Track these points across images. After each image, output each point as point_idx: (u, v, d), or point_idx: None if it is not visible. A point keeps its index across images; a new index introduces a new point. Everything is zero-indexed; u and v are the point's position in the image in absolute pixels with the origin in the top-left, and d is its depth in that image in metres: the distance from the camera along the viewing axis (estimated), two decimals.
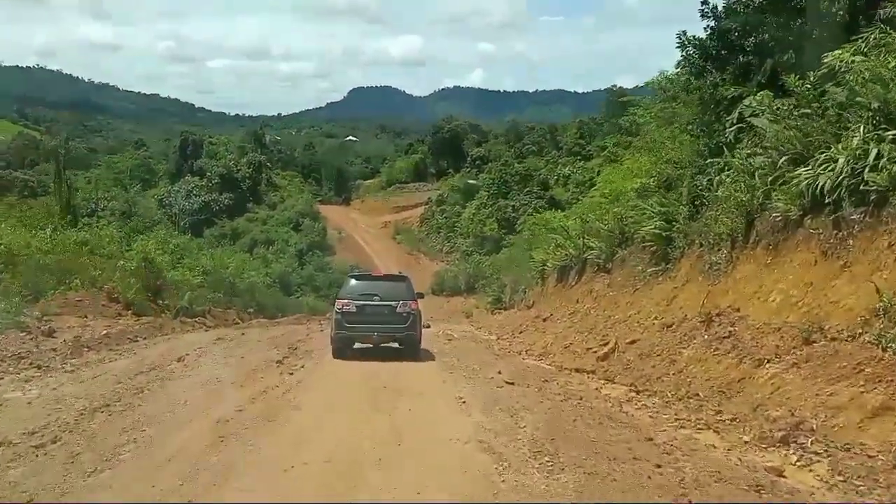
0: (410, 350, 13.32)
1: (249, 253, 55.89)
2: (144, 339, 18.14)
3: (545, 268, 22.15)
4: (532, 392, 9.02)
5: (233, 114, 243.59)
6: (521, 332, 17.88)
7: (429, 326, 22.75)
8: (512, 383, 9.59)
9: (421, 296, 14.96)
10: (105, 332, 17.38)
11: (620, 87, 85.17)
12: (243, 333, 19.50)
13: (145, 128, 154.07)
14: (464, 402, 8.13)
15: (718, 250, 12.00)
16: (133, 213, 58.22)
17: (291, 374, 10.38)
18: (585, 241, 18.38)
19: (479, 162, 68.40)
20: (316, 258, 55.91)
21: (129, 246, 32.51)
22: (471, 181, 65.85)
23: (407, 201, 79.01)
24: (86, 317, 20.37)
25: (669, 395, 8.81)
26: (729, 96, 13.85)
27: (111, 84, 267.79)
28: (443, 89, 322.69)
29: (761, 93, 13.12)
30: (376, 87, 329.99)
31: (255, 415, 7.45)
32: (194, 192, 61.56)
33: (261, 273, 48.76)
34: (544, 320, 17.33)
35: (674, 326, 11.18)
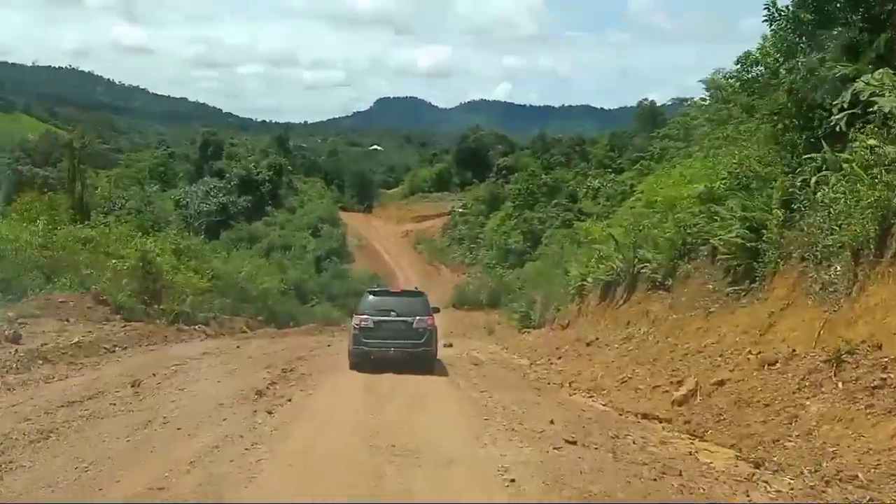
0: (426, 364, 13.03)
1: (266, 258, 53.66)
2: (124, 348, 15.64)
3: (584, 283, 19.35)
4: (605, 458, 6.28)
5: (259, 119, 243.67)
6: (559, 358, 15.08)
7: (451, 346, 20.06)
8: (574, 442, 6.81)
9: (437, 310, 14.70)
10: (78, 340, 14.91)
11: (652, 101, 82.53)
12: (238, 346, 16.92)
13: (172, 130, 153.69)
14: (512, 480, 5.40)
15: (830, 265, 9.19)
16: (148, 212, 56.39)
17: (270, 412, 7.71)
18: (638, 252, 15.59)
19: (506, 172, 65.74)
20: (334, 266, 53.48)
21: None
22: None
23: (429, 210, 76.50)
24: (67, 321, 17.97)
25: (806, 472, 5.99)
26: (836, 75, 11.01)
27: (141, 87, 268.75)
28: (468, 102, 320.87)
29: (880, 71, 10.34)
30: (402, 97, 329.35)
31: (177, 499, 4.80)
32: (212, 193, 59.54)
33: (275, 279, 46.43)
34: (588, 345, 14.51)
35: (779, 365, 8.35)
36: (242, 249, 55.12)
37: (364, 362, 13.16)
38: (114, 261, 21.85)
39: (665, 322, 12.75)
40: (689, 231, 13.94)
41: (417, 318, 13.32)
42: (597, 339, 14.57)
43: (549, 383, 12.20)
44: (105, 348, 15.05)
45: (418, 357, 13.06)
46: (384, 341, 13.20)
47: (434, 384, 11.19)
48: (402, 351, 13.15)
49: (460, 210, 67.61)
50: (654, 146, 42.75)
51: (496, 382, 11.33)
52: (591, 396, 10.58)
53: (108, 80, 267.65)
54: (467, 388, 10.67)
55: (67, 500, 4.56)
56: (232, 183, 61.61)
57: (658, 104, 78.90)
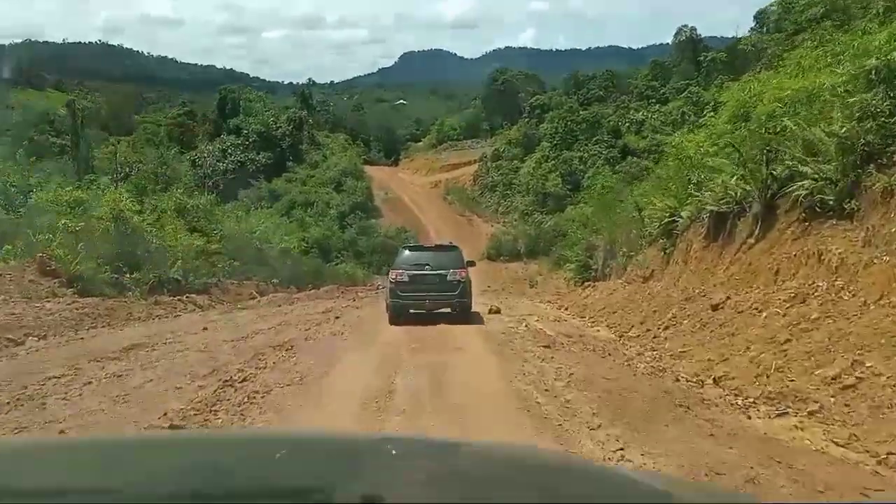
0: (462, 313, 13.36)
1: (287, 216, 48.99)
2: (42, 336, 10.89)
3: (673, 220, 13.86)
4: None
5: (287, 82, 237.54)
6: (665, 328, 9.78)
7: (498, 311, 14.88)
8: None
9: (472, 264, 15.05)
10: None
11: (692, 27, 74.56)
12: (205, 328, 12.00)
13: (202, 97, 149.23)
14: None
15: None
16: (162, 174, 51.99)
17: None
18: (772, 167, 10.07)
19: (539, 111, 59.36)
20: (358, 221, 48.51)
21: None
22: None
23: (459, 159, 70.69)
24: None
25: None
26: None
27: (170, 57, 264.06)
28: (494, 50, 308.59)
29: None
30: (427, 50, 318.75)
31: None
32: (229, 151, 54.73)
33: (296, 238, 41.83)
34: (715, 308, 9.14)
35: None
36: (263, 208, 50.72)
37: (401, 315, 13.30)
38: (63, 220, 17.01)
39: (865, 269, 7.32)
40: (875, 123, 8.42)
41: (451, 270, 13.57)
42: (727, 298, 9.17)
43: (684, 380, 6.92)
44: (9, 339, 10.28)
45: (454, 307, 13.39)
46: (420, 294, 13.46)
47: (499, 415, 5.94)
48: (438, 302, 13.54)
49: (492, 155, 61.70)
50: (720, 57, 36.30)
51: (599, 393, 6.04)
52: (800, 425, 5.25)
53: (138, 52, 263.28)
54: (558, 412, 5.43)
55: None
56: (250, 140, 56.66)
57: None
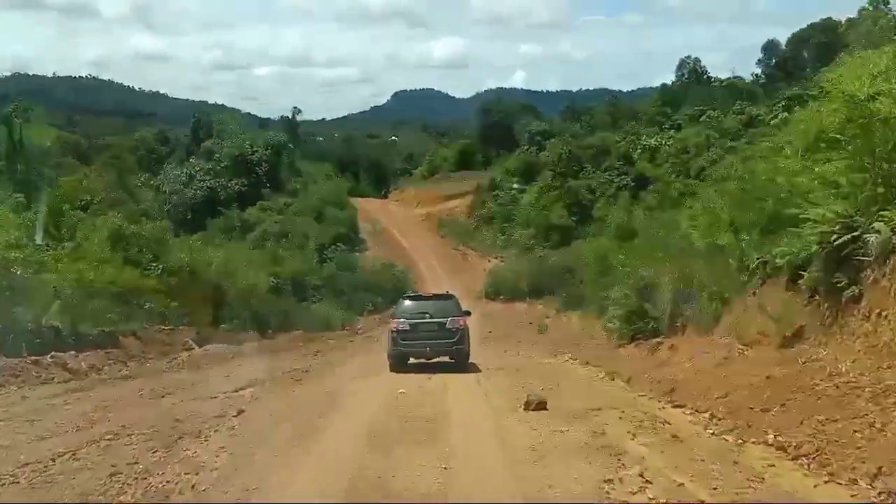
0: (459, 361, 13.72)
1: (261, 248, 42.52)
2: None
3: (839, 237, 7.61)
4: None
5: (277, 118, 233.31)
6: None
7: (543, 406, 8.34)
8: None
9: (468, 313, 15.08)
10: None
11: (696, 58, 70.12)
12: None
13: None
14: None
15: None
16: (130, 202, 45.67)
17: None
18: None
19: (539, 138, 53.77)
20: (340, 254, 42.11)
21: None
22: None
23: (452, 190, 64.69)
24: None
25: None
26: None
27: (161, 92, 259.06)
28: (485, 91, 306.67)
29: None
30: (419, 89, 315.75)
31: None
32: (198, 176, 48.48)
33: (265, 273, 35.31)
34: None
35: None
36: (234, 240, 44.32)
37: (401, 364, 13.53)
38: None
39: None
40: None
41: (450, 318, 13.87)
42: None
43: None
44: None
45: (452, 355, 13.74)
46: (420, 342, 13.68)
47: None
48: (437, 350, 13.76)
49: (488, 185, 55.80)
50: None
51: None
52: None
53: (128, 87, 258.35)
54: None
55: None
56: (222, 164, 50.43)
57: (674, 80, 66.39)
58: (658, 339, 12.79)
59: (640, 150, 46.39)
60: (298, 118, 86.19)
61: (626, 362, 12.25)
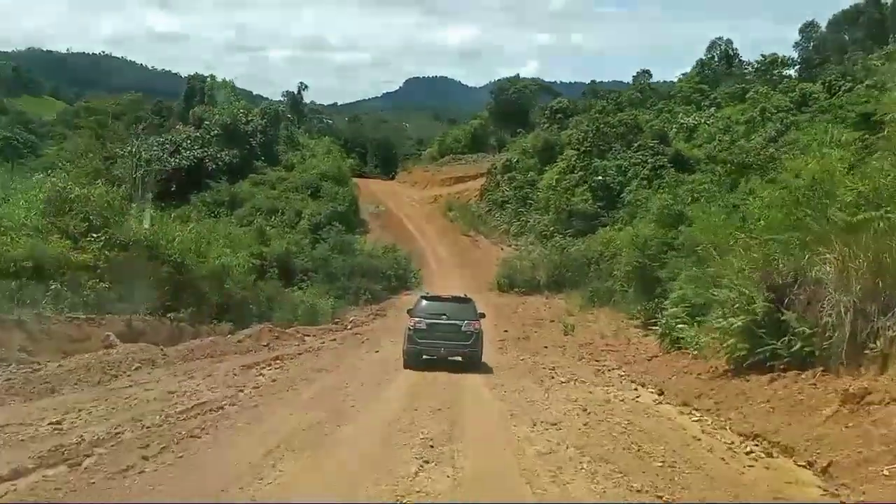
0: (473, 363, 13.76)
1: (249, 225, 37.24)
2: None
3: None
4: None
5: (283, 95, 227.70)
6: None
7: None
8: None
9: (483, 315, 15.17)
10: None
11: (728, 40, 64.21)
12: None
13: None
14: None
15: None
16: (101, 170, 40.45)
17: None
18: None
19: (560, 116, 48.09)
20: (336, 234, 36.76)
21: None
22: None
23: (463, 172, 59.30)
24: None
25: None
26: None
27: (174, 71, 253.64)
28: (499, 80, 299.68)
29: None
30: (432, 77, 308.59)
31: None
32: (185, 145, 43.14)
33: (248, 253, 30.07)
34: None
35: None
36: (222, 216, 39.05)
37: (416, 361, 13.57)
38: None
39: None
40: None
41: (466, 321, 14.05)
42: None
43: None
44: None
45: (466, 357, 13.88)
46: (436, 342, 13.83)
47: None
48: (451, 351, 13.91)
49: (502, 167, 50.25)
50: None
51: None
52: None
53: (140, 64, 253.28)
54: None
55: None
56: (212, 133, 45.05)
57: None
58: (815, 373, 7.31)
59: (675, 129, 40.67)
60: (305, 95, 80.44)
61: (772, 416, 6.79)
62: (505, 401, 9.71)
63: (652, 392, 9.70)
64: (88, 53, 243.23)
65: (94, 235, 21.18)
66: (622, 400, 9.12)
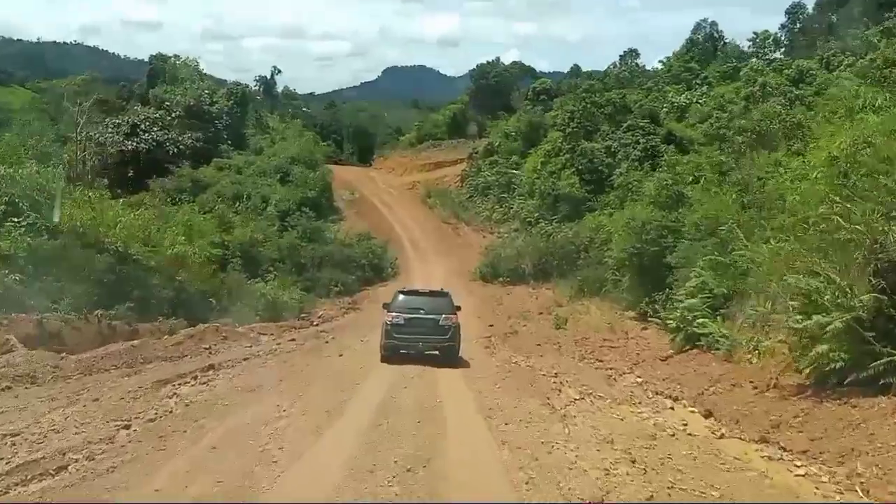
0: (450, 358, 13.50)
1: (211, 212, 34.07)
2: None
3: None
4: None
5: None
6: None
7: None
8: None
9: (458, 308, 14.72)
10: None
11: (713, 22, 61.96)
12: None
13: None
14: None
15: None
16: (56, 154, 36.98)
17: None
18: None
19: (544, 97, 45.47)
20: (306, 221, 33.78)
21: None
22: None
23: (443, 157, 56.56)
24: None
25: None
26: None
27: (146, 60, 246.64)
28: (479, 64, 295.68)
29: None
30: (410, 66, 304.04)
31: None
32: (143, 126, 39.72)
33: (206, 241, 27.12)
34: None
35: None
36: (184, 202, 35.79)
37: (393, 355, 13.28)
38: None
39: None
40: None
41: (443, 315, 13.87)
42: None
43: None
44: None
45: (442, 351, 13.62)
46: (414, 337, 13.59)
47: None
48: (428, 345, 13.65)
49: (483, 151, 47.52)
50: None
51: None
52: None
53: (114, 54, 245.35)
54: None
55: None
56: (174, 114, 41.66)
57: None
58: None
59: (665, 109, 38.24)
60: (279, 80, 76.75)
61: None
62: (510, 447, 6.77)
63: (693, 411, 7.11)
64: (60, 43, 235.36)
65: (15, 220, 18.24)
66: (672, 434, 6.37)
